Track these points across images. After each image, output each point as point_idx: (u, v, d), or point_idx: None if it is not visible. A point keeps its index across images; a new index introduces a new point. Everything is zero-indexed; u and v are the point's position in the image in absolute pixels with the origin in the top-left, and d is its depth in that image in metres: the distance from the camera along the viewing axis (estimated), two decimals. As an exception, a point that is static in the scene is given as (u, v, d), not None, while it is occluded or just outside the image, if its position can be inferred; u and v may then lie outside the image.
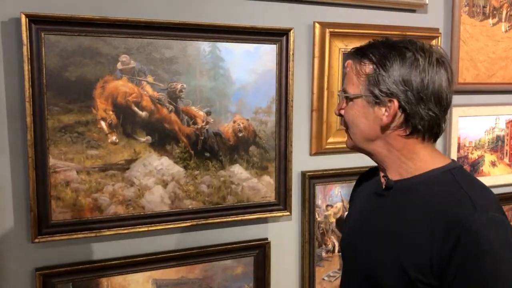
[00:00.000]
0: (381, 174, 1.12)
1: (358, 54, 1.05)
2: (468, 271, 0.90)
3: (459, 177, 1.01)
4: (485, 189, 1.01)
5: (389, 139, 1.04)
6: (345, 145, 1.96)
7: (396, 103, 0.99)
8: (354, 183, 1.34)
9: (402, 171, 1.05)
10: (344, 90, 1.08)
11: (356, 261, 1.13)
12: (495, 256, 0.89)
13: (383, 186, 1.09)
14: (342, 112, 1.09)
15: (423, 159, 1.04)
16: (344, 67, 1.82)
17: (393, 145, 1.04)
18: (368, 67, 1.02)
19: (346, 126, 1.10)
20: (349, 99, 1.06)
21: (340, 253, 1.26)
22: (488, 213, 0.92)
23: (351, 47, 1.76)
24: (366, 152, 1.10)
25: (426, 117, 1.00)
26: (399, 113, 1.00)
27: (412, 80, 0.98)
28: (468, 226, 0.90)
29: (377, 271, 1.04)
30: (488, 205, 0.95)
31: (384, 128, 1.03)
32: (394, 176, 1.07)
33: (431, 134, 1.04)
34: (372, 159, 1.11)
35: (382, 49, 1.02)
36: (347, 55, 1.11)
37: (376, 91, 1.00)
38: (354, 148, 1.12)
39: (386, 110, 1.01)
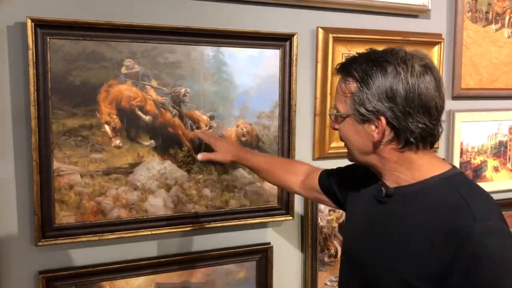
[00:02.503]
0: (380, 181, 1.12)
1: (343, 71, 1.05)
2: (468, 281, 0.89)
3: (459, 184, 0.99)
4: (485, 196, 0.99)
5: (383, 153, 1.03)
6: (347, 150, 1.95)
7: (383, 120, 0.98)
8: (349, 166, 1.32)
9: (399, 180, 1.05)
10: (335, 108, 1.09)
11: (357, 268, 1.12)
12: (495, 265, 0.89)
13: (383, 193, 1.09)
14: (337, 128, 1.11)
15: (419, 168, 1.03)
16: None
17: (388, 158, 1.04)
18: (353, 85, 1.01)
19: (343, 141, 1.12)
20: (340, 117, 1.07)
21: (342, 256, 1.26)
22: (488, 222, 0.91)
23: (354, 52, 1.79)
24: (364, 164, 1.11)
25: (416, 130, 0.98)
26: (388, 129, 0.99)
27: (396, 95, 0.96)
28: (468, 236, 0.89)
29: (377, 279, 1.04)
30: (488, 214, 0.93)
31: (376, 144, 1.02)
32: (391, 183, 1.07)
33: (425, 144, 1.02)
34: (370, 169, 1.11)
35: (364, 65, 1.00)
36: (335, 70, 1.11)
37: (362, 110, 0.99)
38: (353, 161, 1.14)
39: (376, 127, 1.00)
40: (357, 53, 1.06)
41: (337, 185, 1.33)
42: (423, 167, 1.03)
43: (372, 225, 1.10)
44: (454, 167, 1.05)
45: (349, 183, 1.27)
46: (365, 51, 1.05)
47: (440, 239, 0.92)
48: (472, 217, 0.91)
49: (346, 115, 1.04)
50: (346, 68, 1.03)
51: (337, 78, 1.83)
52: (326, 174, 1.38)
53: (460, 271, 0.89)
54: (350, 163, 1.20)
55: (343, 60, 1.08)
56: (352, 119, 1.03)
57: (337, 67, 1.07)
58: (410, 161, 1.03)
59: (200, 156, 1.53)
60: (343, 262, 1.22)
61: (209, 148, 1.56)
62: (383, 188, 1.08)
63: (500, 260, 0.89)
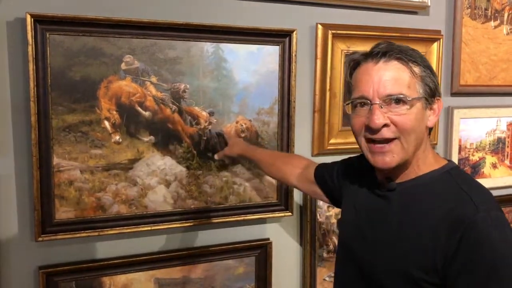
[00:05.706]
0: (379, 175, 1.10)
1: (400, 55, 1.00)
2: (471, 268, 0.91)
3: (458, 178, 1.02)
4: (482, 188, 1.02)
5: (425, 141, 1.05)
6: (346, 146, 1.96)
7: (441, 102, 1.05)
8: (343, 161, 1.34)
9: (410, 174, 1.05)
10: (399, 95, 0.98)
11: (357, 262, 1.12)
12: (497, 253, 0.90)
13: (386, 188, 1.08)
14: (399, 119, 0.99)
15: (428, 161, 1.05)
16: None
17: (424, 147, 1.05)
18: (418, 69, 1.00)
19: (392, 137, 1.00)
20: (408, 103, 0.98)
21: (338, 248, 1.26)
22: (490, 212, 0.93)
23: (353, 49, 1.79)
24: (402, 164, 1.02)
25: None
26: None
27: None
28: (471, 225, 0.91)
29: (380, 272, 1.05)
30: (488, 204, 0.96)
31: (428, 131, 1.06)
32: (398, 179, 1.06)
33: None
34: (390, 171, 1.05)
35: (411, 51, 1.02)
36: (377, 56, 1.01)
37: (431, 92, 1.02)
38: (398, 163, 1.02)
39: (431, 109, 1.03)
40: (385, 41, 1.04)
41: (331, 177, 1.33)
42: (431, 159, 1.06)
43: (374, 220, 1.09)
44: (450, 161, 1.08)
45: (345, 177, 1.27)
46: (388, 41, 1.04)
47: (444, 231, 0.94)
48: (474, 208, 0.93)
49: (420, 98, 1.00)
50: (401, 53, 1.00)
51: (336, 75, 1.83)
52: (322, 167, 1.39)
53: (463, 259, 0.91)
54: (343, 157, 1.21)
55: (379, 50, 1.02)
56: (422, 103, 1.01)
57: (389, 50, 1.01)
58: (429, 150, 1.07)
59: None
60: (341, 256, 1.22)
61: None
62: (386, 181, 1.08)
63: (502, 248, 0.91)
